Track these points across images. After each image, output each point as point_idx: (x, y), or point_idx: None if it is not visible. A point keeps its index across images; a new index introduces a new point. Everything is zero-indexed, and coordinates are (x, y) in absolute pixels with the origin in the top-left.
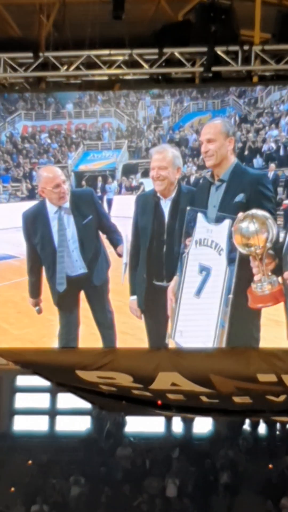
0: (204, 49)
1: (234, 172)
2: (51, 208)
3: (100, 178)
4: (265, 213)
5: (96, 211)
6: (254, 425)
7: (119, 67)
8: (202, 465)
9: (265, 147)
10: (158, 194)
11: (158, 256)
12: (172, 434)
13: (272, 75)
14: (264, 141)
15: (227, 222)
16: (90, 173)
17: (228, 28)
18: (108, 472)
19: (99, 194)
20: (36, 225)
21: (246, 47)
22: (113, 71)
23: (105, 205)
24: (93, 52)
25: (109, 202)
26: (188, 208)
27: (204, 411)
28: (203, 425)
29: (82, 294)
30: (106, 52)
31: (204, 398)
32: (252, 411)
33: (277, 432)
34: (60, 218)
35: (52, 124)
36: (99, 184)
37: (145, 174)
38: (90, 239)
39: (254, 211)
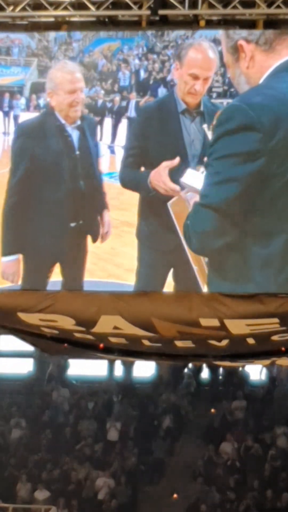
0: None
1: (205, 103)
2: None
3: (7, 94)
4: None
5: None
6: (197, 370)
7: (65, 8)
8: (144, 409)
9: (169, 78)
10: (63, 121)
11: (76, 192)
12: (114, 378)
13: (219, 19)
14: (169, 72)
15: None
16: None
17: None
18: (50, 415)
19: (6, 109)
20: None
21: None
22: (59, 12)
23: (11, 121)
24: None
25: (16, 118)
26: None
27: (146, 355)
28: (145, 369)
29: None
30: None
31: (146, 342)
32: (194, 355)
33: (220, 377)
34: None
35: None
36: (6, 99)
37: None
38: None
39: None
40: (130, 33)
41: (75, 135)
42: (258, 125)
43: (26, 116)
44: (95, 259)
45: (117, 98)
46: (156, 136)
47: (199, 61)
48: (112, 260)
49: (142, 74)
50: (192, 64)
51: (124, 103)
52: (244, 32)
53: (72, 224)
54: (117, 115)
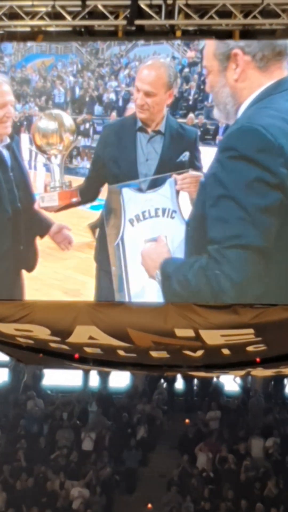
0: (128, 2)
1: (168, 124)
2: None
3: None
4: (60, 112)
5: None
6: (172, 380)
7: (41, 18)
8: (119, 419)
9: (105, 96)
10: None
11: (28, 211)
12: (89, 388)
13: (195, 29)
14: (104, 90)
15: (170, 181)
16: None
17: None
18: (25, 425)
19: None
20: None
21: (169, 1)
22: (35, 22)
23: None
24: (15, 3)
25: None
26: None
27: (121, 365)
28: (120, 379)
29: None
30: (29, 3)
31: (121, 352)
32: (169, 366)
33: (194, 388)
34: None
35: None
36: None
37: None
38: None
39: (52, 111)
40: (63, 49)
41: (5, 154)
42: (279, 149)
43: None
44: (38, 284)
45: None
46: (113, 152)
47: (142, 75)
48: (58, 285)
49: (78, 91)
50: (137, 78)
51: None
52: (242, 41)
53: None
54: None
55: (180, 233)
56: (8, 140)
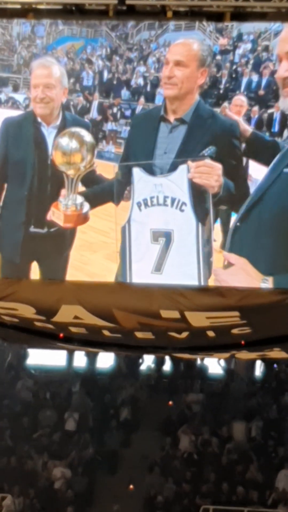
0: None
1: (197, 113)
2: None
3: None
4: (81, 130)
5: None
6: (159, 362)
7: None
8: (102, 400)
9: (133, 81)
10: (39, 120)
11: (40, 196)
12: (73, 368)
13: (186, 10)
14: (132, 74)
15: (182, 168)
16: None
17: None
18: (8, 405)
19: None
20: None
21: None
22: None
23: None
24: None
25: None
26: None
27: (106, 345)
28: (104, 360)
29: None
30: None
31: (106, 333)
32: (154, 347)
33: (180, 370)
34: None
35: None
36: None
37: (16, 89)
38: None
39: (74, 129)
40: (94, 33)
41: (52, 136)
42: None
43: None
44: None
45: (81, 98)
46: (135, 145)
47: (174, 48)
48: (83, 268)
49: (106, 75)
50: (168, 52)
51: (87, 104)
52: None
53: (41, 230)
54: (80, 115)
55: (189, 230)
56: (58, 123)
